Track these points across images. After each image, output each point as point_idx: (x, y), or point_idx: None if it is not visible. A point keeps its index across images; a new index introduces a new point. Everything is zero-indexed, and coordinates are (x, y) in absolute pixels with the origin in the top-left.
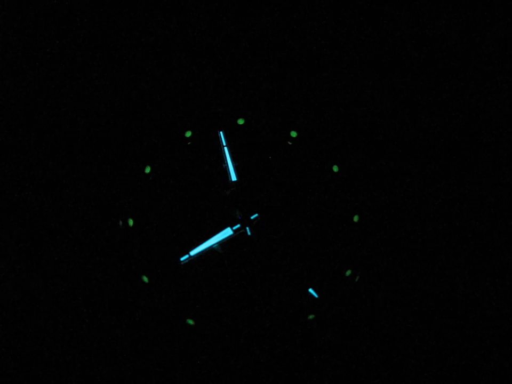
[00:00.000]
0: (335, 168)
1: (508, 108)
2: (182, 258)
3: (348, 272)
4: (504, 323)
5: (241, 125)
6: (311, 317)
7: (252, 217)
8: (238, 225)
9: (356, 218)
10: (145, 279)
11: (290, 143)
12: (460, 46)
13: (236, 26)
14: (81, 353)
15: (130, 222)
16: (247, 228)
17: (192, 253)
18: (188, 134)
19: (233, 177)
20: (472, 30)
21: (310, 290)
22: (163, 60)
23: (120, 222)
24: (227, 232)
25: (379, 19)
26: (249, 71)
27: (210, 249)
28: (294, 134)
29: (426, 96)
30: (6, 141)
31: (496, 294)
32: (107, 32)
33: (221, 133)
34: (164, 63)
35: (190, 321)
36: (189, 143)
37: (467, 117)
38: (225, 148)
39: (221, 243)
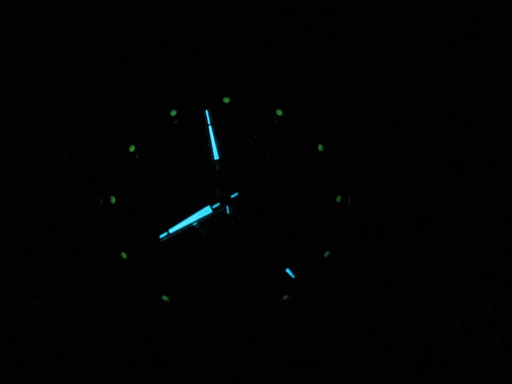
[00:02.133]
0: (320, 147)
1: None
2: (161, 236)
3: (327, 253)
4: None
5: (227, 103)
6: (285, 297)
7: (232, 196)
8: (218, 204)
9: (338, 199)
10: (124, 255)
11: (276, 121)
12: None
13: (223, 3)
14: (56, 331)
15: (113, 200)
16: (227, 207)
17: (171, 230)
18: (173, 113)
19: (216, 156)
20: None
21: (287, 270)
22: (148, 38)
23: (101, 201)
24: (207, 210)
25: None
26: (234, 49)
27: (189, 227)
28: (279, 112)
29: (419, 73)
30: None
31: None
32: (93, 9)
33: (206, 111)
34: (149, 41)
35: (165, 298)
36: (175, 121)
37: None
38: (210, 127)
39: (201, 221)
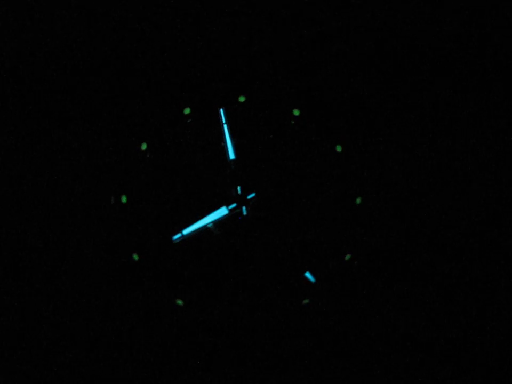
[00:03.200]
0: (339, 148)
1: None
2: (175, 237)
3: (347, 257)
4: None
5: (242, 102)
6: (306, 301)
7: (249, 197)
8: (234, 204)
9: (358, 201)
10: (136, 257)
11: (292, 122)
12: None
13: (239, 1)
14: (67, 330)
15: (124, 199)
16: (243, 208)
17: (185, 232)
18: (187, 111)
19: (232, 156)
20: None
21: (307, 274)
22: (163, 35)
23: (112, 199)
24: (222, 211)
25: None
26: (251, 48)
27: (204, 229)
28: (296, 112)
29: (434, 72)
30: None
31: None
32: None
33: (221, 110)
34: (163, 38)
35: (180, 302)
36: (188, 120)
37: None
38: (225, 126)
39: (216, 222)
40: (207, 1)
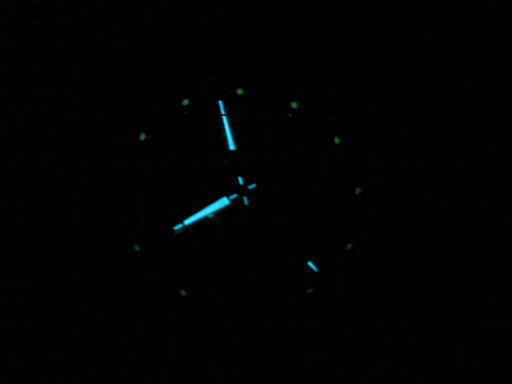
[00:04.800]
0: (337, 140)
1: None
2: (176, 227)
3: (349, 246)
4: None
5: (241, 95)
6: (310, 290)
7: (250, 187)
8: (235, 195)
9: (357, 191)
10: (137, 247)
11: (290, 115)
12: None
13: None
14: (69, 323)
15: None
16: (244, 198)
17: (187, 222)
18: (185, 102)
19: (232, 147)
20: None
21: (309, 263)
22: (162, 28)
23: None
24: (223, 201)
25: None
26: (249, 40)
27: (205, 219)
28: (294, 105)
29: (434, 64)
30: None
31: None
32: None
33: (220, 102)
34: (163, 30)
35: (183, 292)
36: (185, 112)
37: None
38: (224, 117)
39: (217, 213)
40: None
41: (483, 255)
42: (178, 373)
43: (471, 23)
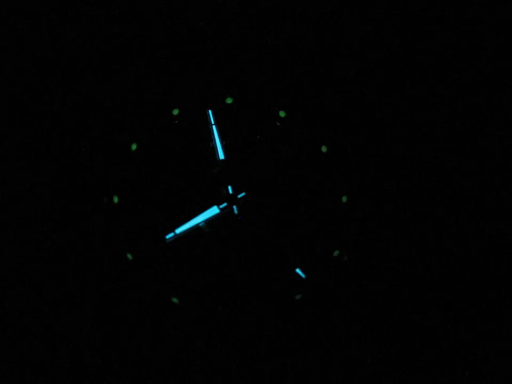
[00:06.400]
0: (324, 149)
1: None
2: (168, 236)
3: (336, 253)
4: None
5: (230, 104)
6: (298, 297)
7: (239, 196)
8: (225, 204)
9: (344, 199)
10: (130, 256)
11: (278, 124)
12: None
13: (228, 4)
14: (62, 330)
15: (115, 199)
16: (234, 207)
17: (178, 231)
18: (175, 112)
19: (221, 156)
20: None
21: (297, 270)
22: (152, 37)
23: (105, 199)
24: (213, 210)
25: None
26: (238, 50)
27: (196, 228)
28: (282, 114)
29: (421, 72)
30: None
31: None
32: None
33: (210, 111)
34: (152, 40)
35: (175, 300)
36: (176, 121)
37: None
38: (214, 126)
39: (208, 222)
40: (195, 4)
41: (472, 263)
42: (171, 379)
43: (465, 25)
